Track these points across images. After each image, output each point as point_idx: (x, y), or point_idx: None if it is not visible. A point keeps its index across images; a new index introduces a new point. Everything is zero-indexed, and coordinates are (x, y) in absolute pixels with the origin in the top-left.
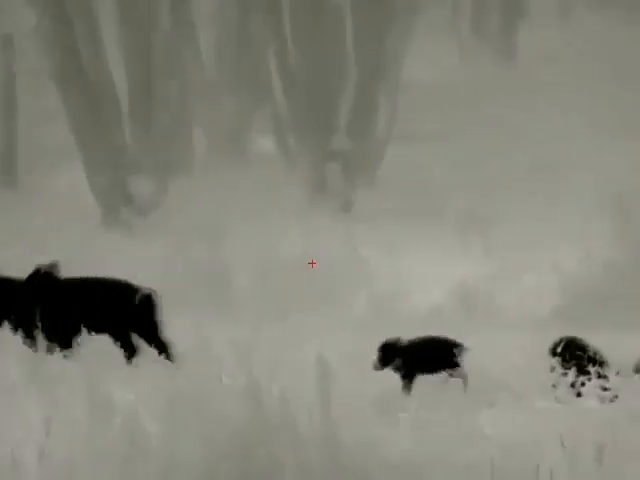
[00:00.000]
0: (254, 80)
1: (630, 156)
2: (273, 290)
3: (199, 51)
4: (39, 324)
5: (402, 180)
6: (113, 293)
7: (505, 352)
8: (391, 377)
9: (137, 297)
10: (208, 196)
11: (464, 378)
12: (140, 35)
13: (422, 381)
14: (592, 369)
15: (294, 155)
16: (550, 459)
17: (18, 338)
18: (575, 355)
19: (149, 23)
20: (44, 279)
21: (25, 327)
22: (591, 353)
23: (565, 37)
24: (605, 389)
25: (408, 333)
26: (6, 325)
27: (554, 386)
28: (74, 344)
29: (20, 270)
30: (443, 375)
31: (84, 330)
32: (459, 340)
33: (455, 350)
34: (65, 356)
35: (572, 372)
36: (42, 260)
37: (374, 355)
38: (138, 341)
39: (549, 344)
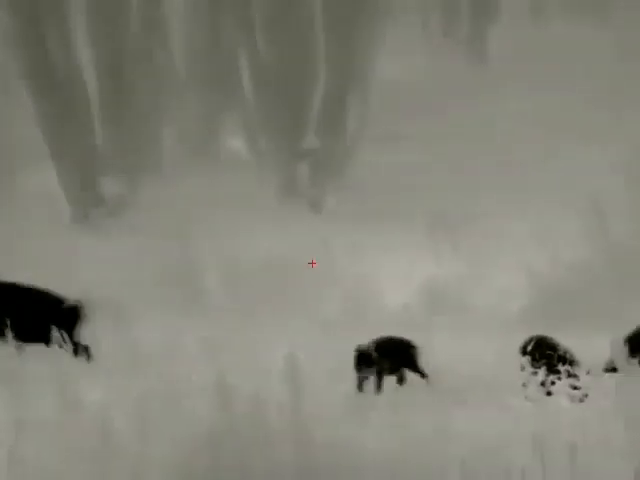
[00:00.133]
0: (224, 80)
1: (600, 157)
2: (243, 290)
3: (169, 51)
4: None
5: (372, 180)
6: (39, 303)
7: (475, 351)
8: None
9: (63, 307)
10: (178, 196)
11: (424, 377)
12: (110, 35)
13: (391, 380)
14: (562, 368)
15: (264, 155)
16: (521, 457)
17: None
18: (545, 354)
19: (119, 23)
20: None
21: None
22: (561, 352)
23: (536, 38)
24: (575, 388)
25: (378, 333)
26: None
27: (524, 385)
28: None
29: None
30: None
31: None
32: (420, 340)
33: (411, 350)
34: None
35: (542, 371)
36: (10, 261)
37: (344, 355)
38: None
39: (519, 343)
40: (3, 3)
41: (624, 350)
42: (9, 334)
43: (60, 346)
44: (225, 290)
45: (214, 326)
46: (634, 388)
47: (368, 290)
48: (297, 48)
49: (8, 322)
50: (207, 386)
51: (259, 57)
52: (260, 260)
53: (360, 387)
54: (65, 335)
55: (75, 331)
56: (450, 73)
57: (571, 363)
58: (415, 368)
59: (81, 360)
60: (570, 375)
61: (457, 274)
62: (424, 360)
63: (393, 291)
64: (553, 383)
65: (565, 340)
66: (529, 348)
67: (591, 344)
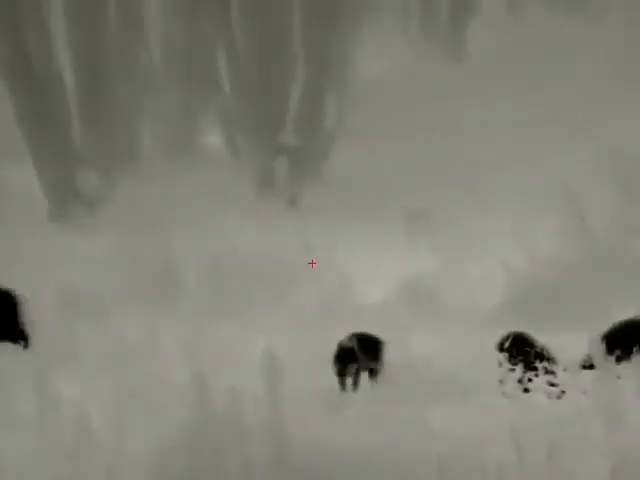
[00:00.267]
0: (202, 76)
1: (578, 153)
2: (221, 286)
3: (148, 50)
4: None
5: (349, 176)
6: None
7: (452, 348)
8: None
9: None
10: (156, 192)
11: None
12: (88, 31)
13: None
14: (539, 365)
15: (242, 152)
16: (498, 454)
17: None
18: (522, 351)
19: (97, 19)
20: None
21: None
22: (538, 349)
23: (515, 35)
24: (553, 385)
25: (356, 329)
26: None
27: (501, 382)
28: None
29: None
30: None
31: None
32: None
33: (380, 346)
34: None
35: (519, 368)
36: None
37: (321, 351)
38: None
39: (496, 340)
40: None
41: (601, 347)
42: None
43: None
44: (203, 286)
45: (192, 322)
46: (611, 385)
47: (345, 286)
48: (275, 45)
49: None
50: (185, 382)
51: (237, 54)
52: (238, 256)
53: (343, 384)
54: None
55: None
56: (429, 71)
57: (548, 360)
58: (380, 364)
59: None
60: (547, 372)
61: (434, 270)
62: (402, 356)
63: (370, 287)
64: (530, 380)
65: (542, 337)
66: (506, 345)
67: (568, 341)
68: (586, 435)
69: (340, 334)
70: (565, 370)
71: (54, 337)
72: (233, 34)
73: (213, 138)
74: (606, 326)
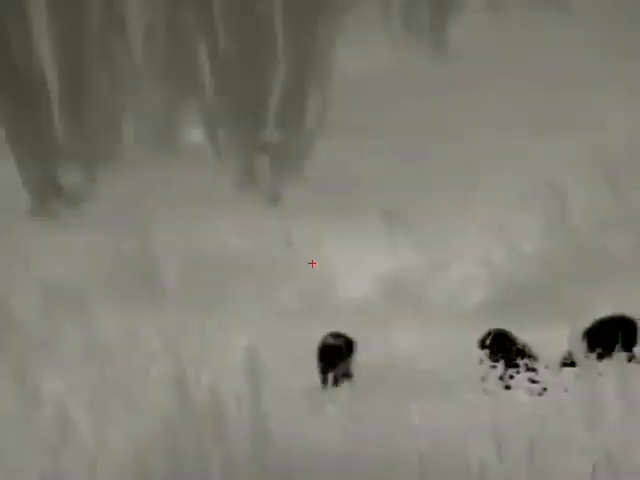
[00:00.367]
0: (184, 71)
1: (561, 150)
2: (202, 281)
3: (129, 42)
4: None
5: (331, 174)
6: None
7: (433, 344)
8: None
9: None
10: (137, 188)
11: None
12: (70, 28)
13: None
14: (521, 362)
15: (223, 148)
16: (479, 451)
17: None
18: (504, 348)
19: (79, 15)
20: None
21: None
22: (520, 346)
23: (496, 32)
24: (534, 382)
25: (337, 326)
26: None
27: (483, 379)
28: None
29: None
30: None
31: None
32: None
33: (353, 347)
34: None
35: (501, 365)
36: None
37: (302, 348)
38: None
39: (477, 336)
40: None
41: (582, 344)
42: None
43: None
44: (185, 283)
45: (173, 318)
46: (592, 382)
47: (327, 283)
48: (257, 40)
49: None
50: (165, 379)
51: (219, 48)
52: (219, 252)
53: (326, 381)
54: None
55: None
56: (411, 67)
57: (530, 357)
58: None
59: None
60: (529, 369)
61: (415, 267)
62: (384, 353)
63: (352, 285)
64: (512, 377)
65: (524, 333)
66: (488, 342)
67: (550, 337)
68: (567, 432)
69: (322, 332)
70: (546, 367)
71: (35, 334)
72: (215, 31)
73: (195, 135)
74: (587, 323)
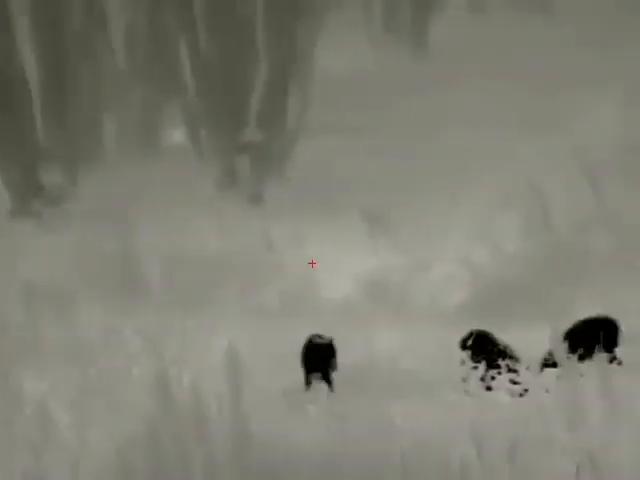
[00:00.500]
0: (165, 71)
1: (543, 150)
2: (183, 281)
3: (111, 41)
4: None
5: (312, 173)
6: None
7: (415, 345)
8: (301, 369)
9: None
10: (118, 187)
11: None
12: (52, 27)
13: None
14: (502, 363)
15: (205, 147)
16: (461, 453)
17: None
18: (485, 349)
19: (61, 15)
20: None
21: None
22: (501, 347)
23: (478, 33)
24: (515, 383)
25: (319, 326)
26: None
27: (464, 380)
28: None
29: None
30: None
31: None
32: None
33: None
34: None
35: (482, 366)
36: None
37: (283, 348)
38: None
39: (459, 337)
40: None
41: (564, 345)
42: None
43: None
44: (165, 281)
45: (154, 318)
46: (574, 383)
47: (308, 283)
48: (238, 41)
49: None
50: (147, 379)
51: (200, 48)
52: (200, 251)
53: (309, 382)
54: None
55: None
56: (392, 67)
57: (511, 358)
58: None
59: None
60: (510, 370)
61: (398, 268)
62: (365, 354)
63: (334, 285)
64: (493, 378)
65: (506, 333)
66: (469, 342)
67: (531, 338)
68: (548, 433)
69: (303, 332)
70: (528, 368)
71: (17, 333)
72: (196, 32)
73: (176, 133)
74: (569, 324)
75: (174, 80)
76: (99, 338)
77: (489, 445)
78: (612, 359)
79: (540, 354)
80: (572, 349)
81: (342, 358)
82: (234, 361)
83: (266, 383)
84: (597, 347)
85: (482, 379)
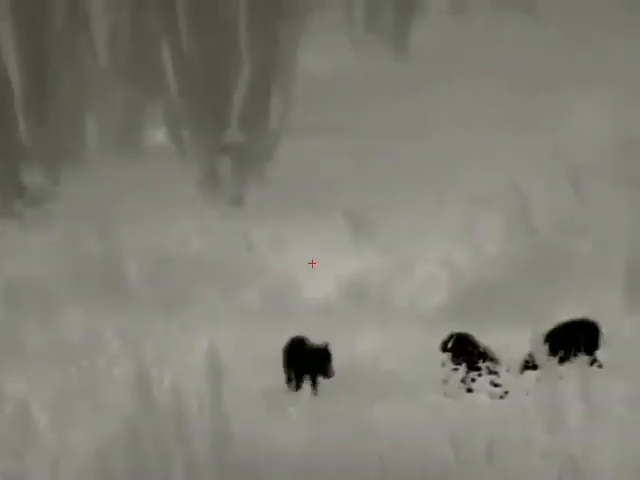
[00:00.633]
0: (148, 71)
1: (523, 151)
2: (164, 282)
3: (93, 41)
4: None
5: (294, 174)
6: None
7: (396, 346)
8: (282, 370)
9: None
10: (100, 187)
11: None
12: (34, 28)
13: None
14: (483, 365)
15: (186, 148)
16: (441, 454)
17: None
18: (465, 351)
19: (43, 16)
20: None
21: None
22: (481, 349)
23: (460, 34)
24: (495, 385)
25: (300, 328)
26: None
27: (445, 381)
28: None
29: None
30: None
31: None
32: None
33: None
34: None
35: (463, 367)
36: None
37: (265, 349)
38: None
39: (440, 339)
40: None
41: (544, 348)
42: None
43: None
44: (146, 282)
45: (135, 318)
46: (554, 386)
47: (289, 284)
48: (221, 41)
49: None
50: (128, 379)
51: (183, 49)
52: (181, 252)
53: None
54: None
55: None
56: (374, 68)
57: (491, 360)
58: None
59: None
60: (491, 372)
61: (378, 268)
62: (346, 355)
63: (315, 287)
64: (473, 380)
65: (486, 336)
66: (449, 345)
67: (512, 340)
68: (528, 435)
69: (284, 333)
70: (508, 370)
71: None
72: (179, 33)
73: (158, 133)
74: (549, 326)
75: (156, 80)
76: (80, 338)
77: (469, 447)
78: (592, 361)
79: (520, 356)
80: (553, 351)
81: None
82: (215, 362)
83: (247, 384)
84: (577, 350)
85: (462, 381)
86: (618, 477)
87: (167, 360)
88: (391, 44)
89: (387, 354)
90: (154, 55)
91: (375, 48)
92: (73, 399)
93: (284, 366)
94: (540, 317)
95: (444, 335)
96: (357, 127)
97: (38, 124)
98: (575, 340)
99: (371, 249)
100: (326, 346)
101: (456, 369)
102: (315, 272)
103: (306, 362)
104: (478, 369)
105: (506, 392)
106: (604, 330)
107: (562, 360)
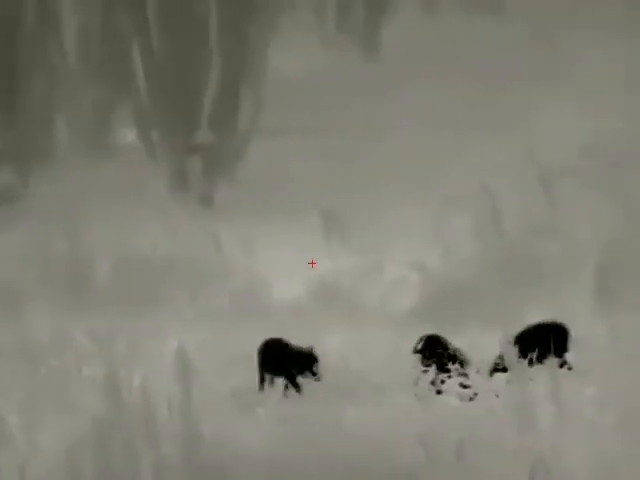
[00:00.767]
0: (117, 72)
1: (493, 152)
2: (133, 283)
3: (63, 41)
4: None
5: (264, 175)
6: None
7: (365, 347)
8: (251, 371)
9: None
10: (69, 187)
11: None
12: (3, 24)
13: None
14: (452, 367)
15: (156, 148)
16: (410, 454)
17: None
18: (435, 353)
19: (13, 12)
20: None
21: None
22: (451, 351)
23: (430, 34)
24: (465, 387)
25: (270, 329)
26: None
27: (415, 383)
28: None
29: None
30: None
31: None
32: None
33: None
34: None
35: (432, 369)
36: None
37: (234, 350)
38: None
39: (410, 340)
40: None
41: (514, 350)
42: None
43: None
44: (115, 282)
45: (104, 318)
46: (524, 387)
47: (259, 285)
48: (191, 41)
49: None
50: (96, 380)
51: (153, 49)
52: (150, 253)
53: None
54: None
55: None
56: (345, 68)
57: (461, 362)
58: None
59: None
60: (460, 374)
61: (349, 269)
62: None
63: (285, 287)
64: (443, 382)
65: (456, 337)
66: (419, 346)
67: (482, 342)
68: (498, 437)
69: (254, 334)
70: (478, 372)
71: None
72: (149, 32)
73: (127, 134)
74: (519, 328)
75: (126, 81)
76: (49, 339)
77: (438, 448)
78: (562, 364)
79: (490, 358)
80: (522, 353)
81: None
82: (184, 362)
83: (216, 385)
84: (547, 352)
85: (432, 383)
86: (588, 477)
87: (136, 361)
88: (362, 45)
89: (357, 355)
90: (124, 55)
91: (346, 49)
92: (41, 399)
93: (259, 367)
94: (510, 319)
95: (414, 336)
96: (328, 128)
97: (7, 124)
98: (545, 342)
99: (341, 250)
100: (311, 349)
101: (426, 371)
102: (285, 273)
103: (290, 364)
104: (448, 371)
105: (476, 394)
106: (573, 332)
107: (532, 362)
